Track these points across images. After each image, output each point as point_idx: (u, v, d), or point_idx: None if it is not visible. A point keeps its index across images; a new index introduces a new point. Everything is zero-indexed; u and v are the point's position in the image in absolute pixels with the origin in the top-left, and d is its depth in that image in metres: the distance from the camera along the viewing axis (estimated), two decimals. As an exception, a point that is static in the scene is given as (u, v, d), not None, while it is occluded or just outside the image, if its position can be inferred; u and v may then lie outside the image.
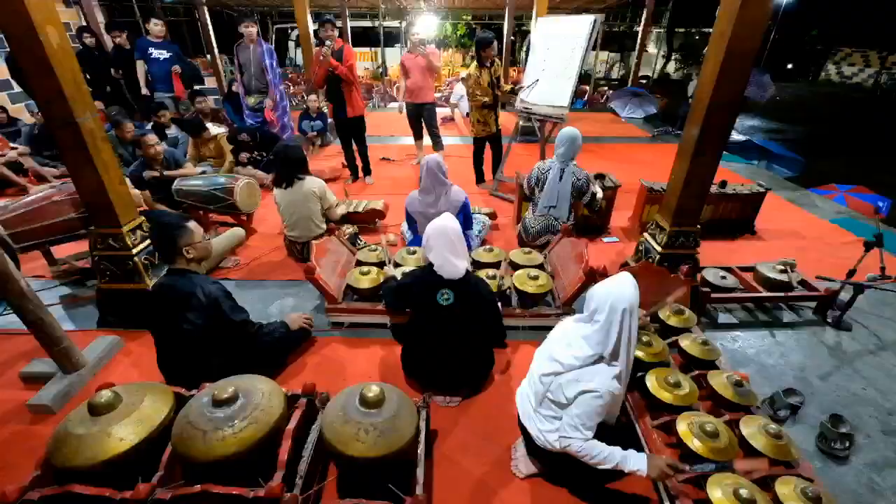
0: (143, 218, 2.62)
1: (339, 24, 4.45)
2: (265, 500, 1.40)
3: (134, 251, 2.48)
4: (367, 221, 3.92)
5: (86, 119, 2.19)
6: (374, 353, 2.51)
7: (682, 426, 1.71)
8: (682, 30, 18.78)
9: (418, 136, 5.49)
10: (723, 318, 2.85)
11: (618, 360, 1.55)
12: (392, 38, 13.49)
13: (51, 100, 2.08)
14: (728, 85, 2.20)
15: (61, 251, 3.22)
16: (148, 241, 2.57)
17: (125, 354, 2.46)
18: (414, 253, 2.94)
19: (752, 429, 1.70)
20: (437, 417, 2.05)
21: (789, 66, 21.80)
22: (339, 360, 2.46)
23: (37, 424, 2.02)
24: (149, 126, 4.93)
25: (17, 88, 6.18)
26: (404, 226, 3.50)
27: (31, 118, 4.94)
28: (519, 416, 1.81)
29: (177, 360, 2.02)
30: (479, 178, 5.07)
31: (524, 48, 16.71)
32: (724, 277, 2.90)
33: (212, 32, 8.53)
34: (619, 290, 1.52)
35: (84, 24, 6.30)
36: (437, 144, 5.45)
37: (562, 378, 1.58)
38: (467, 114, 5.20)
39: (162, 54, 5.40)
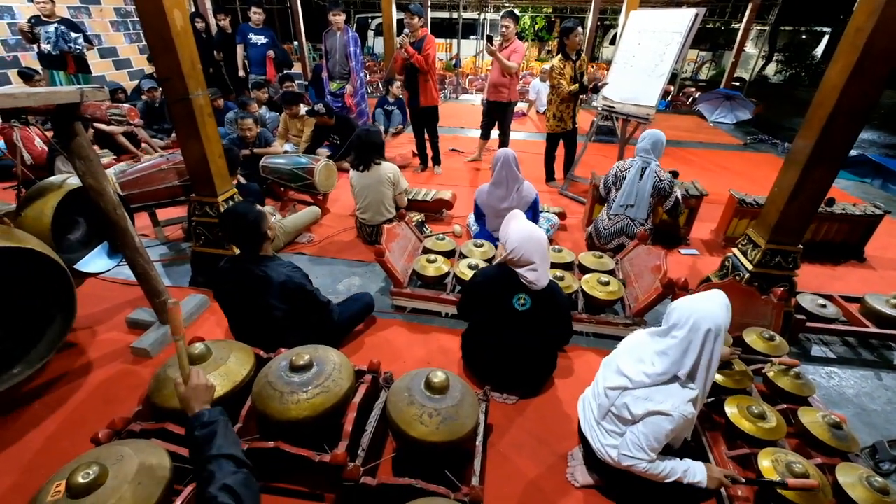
0: (235, 190, 2.84)
1: (410, 15, 4.31)
2: (330, 466, 1.47)
3: (226, 220, 2.70)
4: (434, 210, 3.96)
5: (197, 95, 2.40)
6: (433, 339, 2.54)
7: (766, 462, 1.56)
8: (788, 28, 16.91)
9: (484, 136, 5.25)
10: (817, 350, 2.56)
11: (694, 382, 1.43)
12: (469, 29, 13.44)
13: (171, 76, 2.30)
14: (860, 90, 1.94)
15: (163, 214, 3.59)
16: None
17: (211, 313, 2.69)
18: (481, 246, 2.93)
19: (851, 478, 1.51)
20: (493, 412, 2.04)
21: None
22: (399, 342, 2.51)
23: (137, 365, 2.28)
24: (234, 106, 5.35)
25: (136, 66, 6.94)
26: (471, 217, 3.50)
27: (144, 96, 5.52)
28: (580, 425, 1.75)
29: (256, 335, 2.10)
30: (550, 176, 4.93)
31: (605, 43, 15.96)
32: (823, 306, 2.60)
33: (301, 20, 9.00)
34: (707, 307, 1.38)
35: (194, 9, 6.92)
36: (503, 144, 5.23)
37: (628, 395, 1.49)
38: (543, 111, 4.99)
39: (260, 39, 5.81)
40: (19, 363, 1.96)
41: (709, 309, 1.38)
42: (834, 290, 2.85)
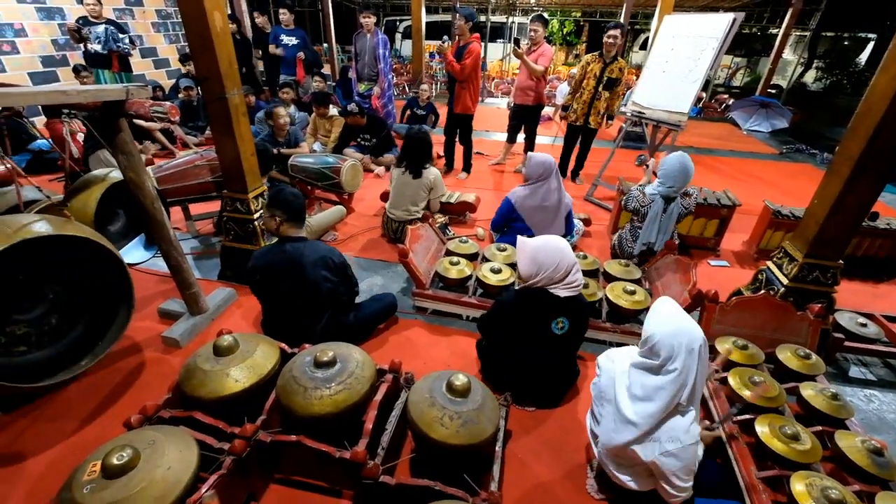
0: (265, 187, 2.91)
1: (460, 18, 4.30)
2: (349, 463, 1.49)
3: (255, 216, 2.77)
4: (458, 213, 3.97)
5: (233, 94, 2.47)
6: (453, 342, 2.54)
7: (799, 486, 1.49)
8: (830, 34, 16.23)
9: (510, 140, 5.24)
10: (855, 371, 2.44)
11: (693, 400, 1.44)
12: (496, 33, 13.43)
13: (209, 76, 2.37)
14: (912, 99, 1.84)
15: (194, 209, 3.71)
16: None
17: (237, 306, 2.76)
18: (504, 249, 2.91)
19: (893, 509, 1.43)
20: (511, 419, 2.01)
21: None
22: (419, 343, 2.52)
23: (167, 354, 2.36)
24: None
25: (174, 66, 7.21)
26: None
27: (180, 94, 5.72)
28: (592, 445, 1.73)
29: (288, 321, 2.19)
30: (566, 173, 4.92)
31: (636, 48, 15.68)
32: (863, 325, 2.48)
33: (332, 23, 9.18)
34: (685, 327, 1.39)
35: (230, 12, 7.15)
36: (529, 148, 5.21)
37: (636, 445, 1.47)
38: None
39: (291, 41, 5.96)
40: (87, 355, 2.05)
41: (688, 328, 1.39)
42: (876, 309, 2.71)
